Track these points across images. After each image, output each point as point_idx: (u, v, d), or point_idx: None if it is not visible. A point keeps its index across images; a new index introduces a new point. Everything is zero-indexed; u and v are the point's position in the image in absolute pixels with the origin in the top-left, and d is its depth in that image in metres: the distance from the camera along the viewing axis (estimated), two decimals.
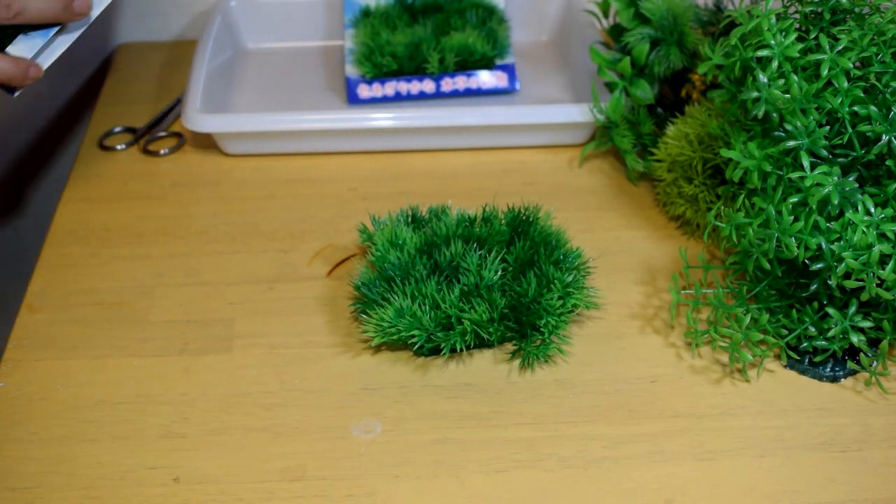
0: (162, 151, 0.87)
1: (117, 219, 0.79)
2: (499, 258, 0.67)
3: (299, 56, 1.01)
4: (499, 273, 0.66)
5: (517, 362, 0.66)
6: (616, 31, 0.87)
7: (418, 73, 0.91)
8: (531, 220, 0.71)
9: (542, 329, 0.65)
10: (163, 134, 0.90)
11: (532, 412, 0.63)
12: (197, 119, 0.84)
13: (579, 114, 0.85)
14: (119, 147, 0.88)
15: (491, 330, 0.65)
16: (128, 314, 0.70)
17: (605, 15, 0.86)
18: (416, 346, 0.65)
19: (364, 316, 0.66)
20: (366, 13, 0.96)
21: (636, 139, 0.83)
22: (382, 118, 0.85)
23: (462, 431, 0.62)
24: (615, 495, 0.58)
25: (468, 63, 0.92)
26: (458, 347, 0.65)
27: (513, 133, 0.86)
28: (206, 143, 0.88)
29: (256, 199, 0.82)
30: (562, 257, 0.68)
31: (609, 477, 0.59)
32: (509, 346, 0.68)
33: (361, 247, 0.75)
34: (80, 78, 1.09)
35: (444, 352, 0.65)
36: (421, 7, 0.97)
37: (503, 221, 0.71)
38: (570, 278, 0.66)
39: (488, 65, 0.92)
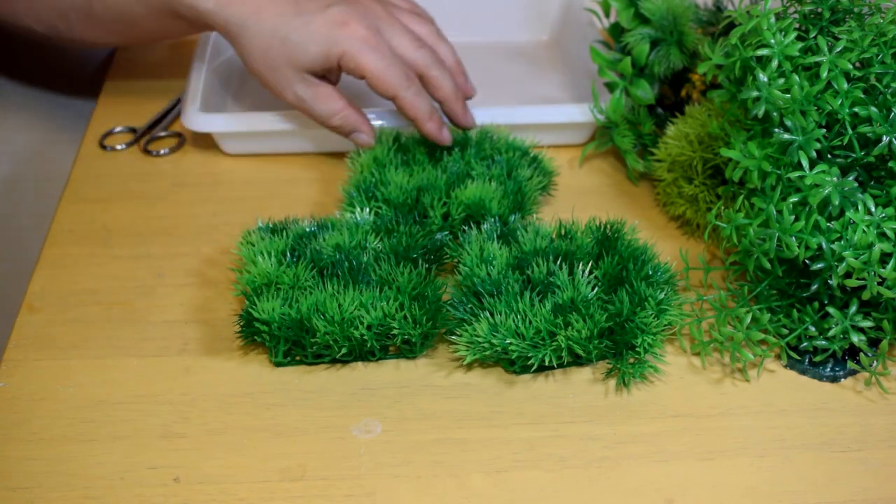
0: (162, 151, 0.87)
1: (117, 219, 0.79)
2: (592, 274, 0.66)
3: None
4: (595, 288, 0.65)
5: (611, 381, 0.65)
6: (616, 31, 0.87)
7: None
8: (617, 235, 0.69)
9: (638, 348, 0.64)
10: (163, 134, 0.90)
11: (532, 412, 0.63)
12: (197, 119, 0.84)
13: (579, 114, 0.85)
14: (119, 147, 0.88)
15: (590, 347, 0.63)
16: (128, 314, 0.70)
17: (607, 14, 0.86)
18: (510, 363, 0.64)
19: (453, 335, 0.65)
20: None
21: (636, 139, 0.83)
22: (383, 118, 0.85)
23: (462, 431, 0.62)
24: (615, 495, 0.58)
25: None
26: (551, 362, 0.63)
27: (513, 133, 0.86)
28: (206, 143, 0.88)
29: (256, 199, 0.82)
30: (650, 272, 0.66)
31: (609, 477, 0.59)
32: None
33: None
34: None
35: (532, 367, 0.63)
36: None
37: (584, 234, 0.69)
38: (662, 295, 0.65)
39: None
